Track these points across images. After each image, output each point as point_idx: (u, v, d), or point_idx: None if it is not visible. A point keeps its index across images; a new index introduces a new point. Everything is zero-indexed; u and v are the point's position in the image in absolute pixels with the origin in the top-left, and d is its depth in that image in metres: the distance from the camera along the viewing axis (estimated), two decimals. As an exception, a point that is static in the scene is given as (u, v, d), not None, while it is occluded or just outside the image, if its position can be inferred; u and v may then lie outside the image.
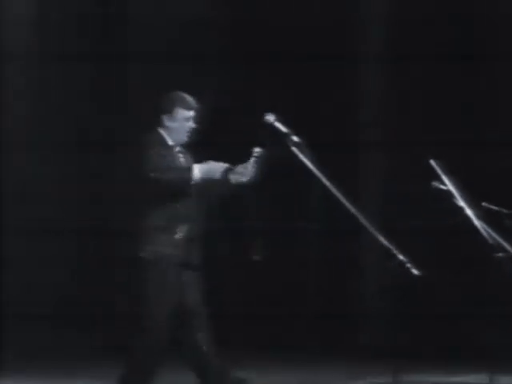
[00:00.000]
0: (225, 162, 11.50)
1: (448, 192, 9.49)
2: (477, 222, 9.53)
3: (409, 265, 7.90)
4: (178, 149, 9.29)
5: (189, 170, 9.13)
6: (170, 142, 9.27)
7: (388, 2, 18.97)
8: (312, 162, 8.27)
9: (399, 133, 17.94)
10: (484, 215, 9.78)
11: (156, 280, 9.03)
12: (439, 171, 9.66)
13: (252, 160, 9.12)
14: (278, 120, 8.49)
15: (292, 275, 17.03)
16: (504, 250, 9.56)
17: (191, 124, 9.33)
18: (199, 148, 13.23)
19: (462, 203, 9.56)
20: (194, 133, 9.38)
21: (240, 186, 9.67)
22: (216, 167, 9.14)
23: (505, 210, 9.96)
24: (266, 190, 16.56)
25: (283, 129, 8.35)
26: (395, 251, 7.95)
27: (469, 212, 9.53)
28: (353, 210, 8.12)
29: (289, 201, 17.23)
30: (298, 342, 16.04)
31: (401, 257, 7.85)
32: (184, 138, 9.27)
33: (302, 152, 8.21)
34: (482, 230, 9.56)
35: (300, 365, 13.87)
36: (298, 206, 17.22)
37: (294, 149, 8.22)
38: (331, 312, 16.27)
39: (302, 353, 15.22)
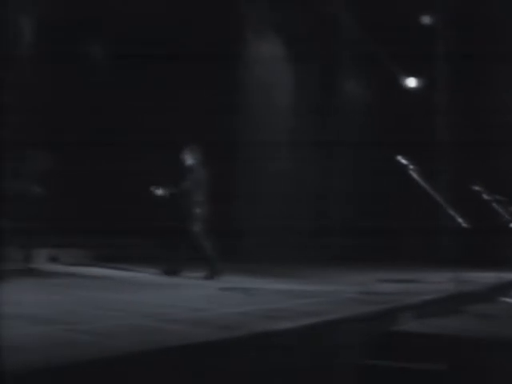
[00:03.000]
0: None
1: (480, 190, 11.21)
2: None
3: (462, 222, 9.52)
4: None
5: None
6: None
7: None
8: (422, 180, 9.32)
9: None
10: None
11: None
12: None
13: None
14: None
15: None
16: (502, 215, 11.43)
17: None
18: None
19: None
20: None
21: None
22: None
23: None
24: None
25: (404, 161, 9.35)
26: (457, 216, 9.51)
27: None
28: (445, 204, 9.40)
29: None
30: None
31: (460, 220, 9.44)
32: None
33: (415, 173, 9.32)
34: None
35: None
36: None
37: (411, 172, 9.30)
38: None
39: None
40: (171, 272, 11.55)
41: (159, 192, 11.57)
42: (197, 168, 11.81)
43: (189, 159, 11.87)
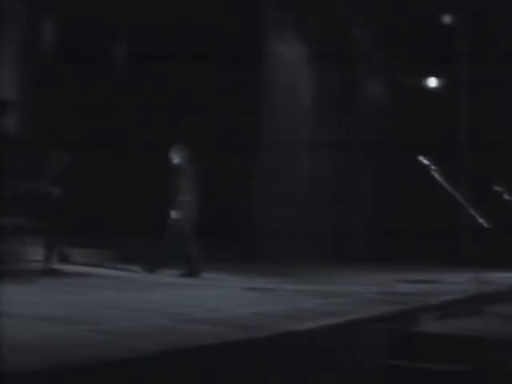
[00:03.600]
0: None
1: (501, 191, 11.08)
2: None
3: (483, 222, 9.59)
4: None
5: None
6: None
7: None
8: (443, 180, 9.35)
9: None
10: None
11: None
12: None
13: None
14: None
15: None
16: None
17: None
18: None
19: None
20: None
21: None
22: None
23: None
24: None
25: (426, 162, 9.37)
26: (477, 216, 9.51)
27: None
28: (466, 204, 9.39)
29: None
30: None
31: (481, 220, 9.49)
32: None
33: (436, 174, 9.38)
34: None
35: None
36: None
37: (433, 173, 9.35)
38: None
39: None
40: (151, 270, 11.52)
41: (175, 215, 11.53)
42: (184, 167, 11.74)
43: (176, 158, 11.80)
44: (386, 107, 20.39)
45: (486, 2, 18.99)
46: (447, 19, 19.66)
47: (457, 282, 11.63)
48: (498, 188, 11.39)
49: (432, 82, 20.02)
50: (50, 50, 14.25)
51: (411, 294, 9.67)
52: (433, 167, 9.39)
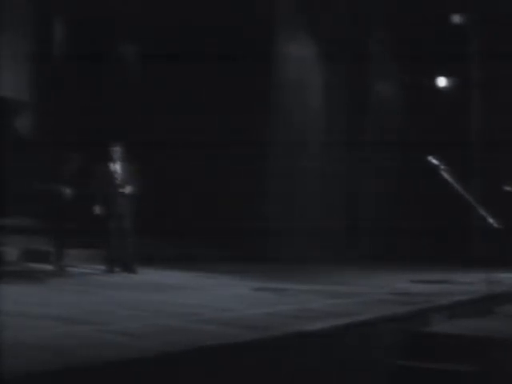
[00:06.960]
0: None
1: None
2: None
3: (492, 221, 9.38)
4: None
5: None
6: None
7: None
8: (453, 179, 9.20)
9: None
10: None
11: None
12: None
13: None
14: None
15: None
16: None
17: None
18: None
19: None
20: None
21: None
22: None
23: None
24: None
25: (436, 162, 9.18)
26: (487, 216, 9.32)
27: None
28: (476, 204, 9.30)
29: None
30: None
31: (491, 220, 9.29)
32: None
33: (446, 174, 9.19)
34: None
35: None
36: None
37: (443, 172, 9.17)
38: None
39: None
40: (111, 269, 11.49)
41: (97, 211, 11.42)
42: (116, 169, 11.66)
43: (112, 159, 11.68)
44: (396, 107, 20.35)
45: (497, 2, 18.94)
46: (457, 19, 19.60)
47: (467, 283, 11.53)
48: (508, 188, 11.38)
49: (442, 82, 20.01)
50: (60, 51, 14.18)
51: (421, 295, 9.61)
52: (442, 167, 9.30)
